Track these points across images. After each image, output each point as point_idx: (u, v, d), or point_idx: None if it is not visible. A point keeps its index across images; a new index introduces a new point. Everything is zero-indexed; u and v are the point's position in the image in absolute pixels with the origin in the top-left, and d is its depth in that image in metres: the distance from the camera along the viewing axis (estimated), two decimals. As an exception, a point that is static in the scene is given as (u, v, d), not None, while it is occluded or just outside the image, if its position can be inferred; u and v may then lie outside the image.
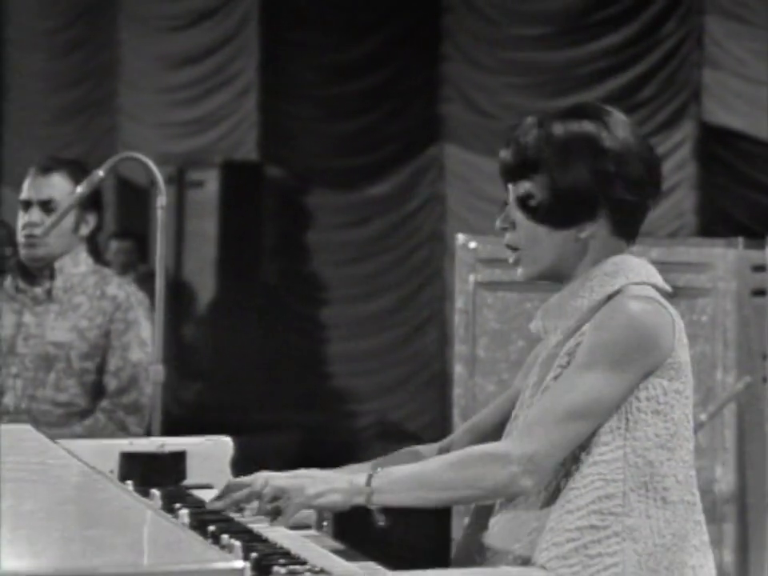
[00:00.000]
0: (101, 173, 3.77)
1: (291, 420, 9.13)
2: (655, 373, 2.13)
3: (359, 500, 2.06)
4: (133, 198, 10.44)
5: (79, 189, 3.76)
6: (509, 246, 2.29)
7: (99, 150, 11.62)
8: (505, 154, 2.30)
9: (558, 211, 2.21)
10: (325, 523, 2.57)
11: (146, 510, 1.85)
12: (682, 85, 7.96)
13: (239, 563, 1.49)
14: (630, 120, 2.32)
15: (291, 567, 1.82)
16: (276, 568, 1.78)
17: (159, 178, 3.95)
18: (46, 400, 3.87)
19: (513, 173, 2.28)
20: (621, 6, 8.17)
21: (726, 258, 4.19)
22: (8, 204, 13.01)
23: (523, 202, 2.24)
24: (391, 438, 8.77)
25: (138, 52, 11.48)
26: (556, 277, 2.26)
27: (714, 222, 7.64)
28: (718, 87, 7.80)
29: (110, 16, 11.81)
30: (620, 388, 2.08)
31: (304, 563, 1.87)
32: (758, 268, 4.21)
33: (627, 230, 2.26)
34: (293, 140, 10.01)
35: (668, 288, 2.29)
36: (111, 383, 3.88)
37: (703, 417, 3.72)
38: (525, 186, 2.24)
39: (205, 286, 9.72)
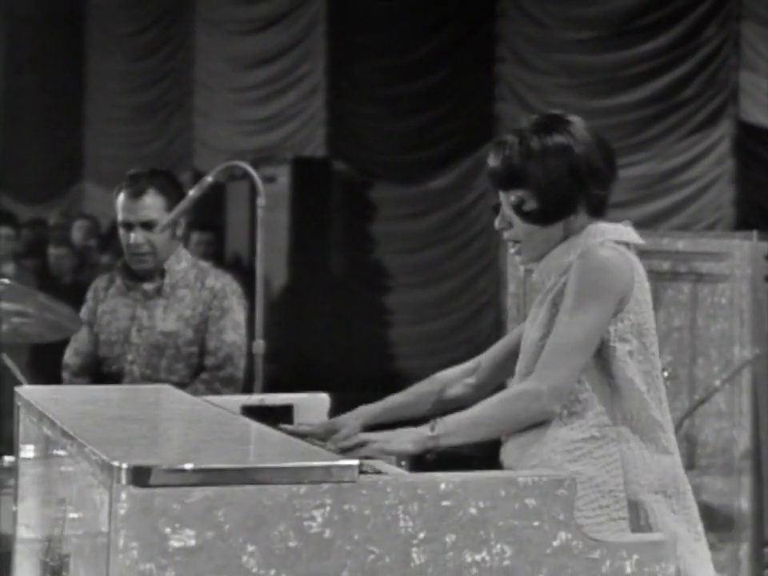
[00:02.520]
0: (209, 178, 4.12)
1: (357, 398, 9.50)
2: (624, 310, 2.59)
3: (430, 444, 2.57)
4: (208, 192, 10.87)
5: (191, 192, 4.13)
6: (509, 240, 2.71)
7: (175, 147, 12.26)
8: (494, 165, 2.68)
9: (547, 213, 2.66)
10: (403, 463, 3.20)
11: (280, 434, 2.51)
12: (721, 86, 8.11)
13: (355, 461, 2.16)
14: (585, 123, 2.70)
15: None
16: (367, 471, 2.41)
17: (259, 182, 4.26)
18: (160, 382, 4.22)
19: (503, 183, 2.68)
20: (664, 12, 8.32)
21: (742, 249, 4.67)
22: (89, 197, 13.50)
23: (518, 208, 2.67)
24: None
25: (212, 54, 11.80)
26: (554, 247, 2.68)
27: (751, 215, 7.79)
28: (754, 88, 7.94)
29: (185, 20, 12.13)
30: (605, 316, 2.56)
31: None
32: None
33: (600, 212, 2.70)
34: (358, 137, 10.28)
35: (641, 242, 2.70)
36: (209, 360, 4.33)
37: (717, 383, 4.24)
38: (516, 194, 2.67)
39: (277, 273, 9.97)
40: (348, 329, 10.16)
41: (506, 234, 2.73)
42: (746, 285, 4.69)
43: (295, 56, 10.98)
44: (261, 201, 4.30)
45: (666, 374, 4.64)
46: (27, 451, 3.02)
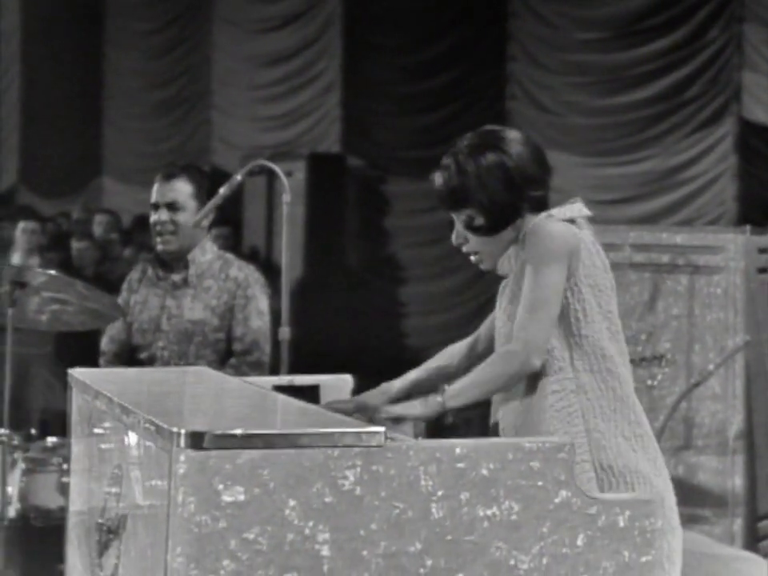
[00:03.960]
0: (239, 177, 4.40)
1: (371, 384, 9.61)
2: (576, 274, 2.83)
3: (439, 408, 2.87)
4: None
5: (221, 191, 4.37)
6: (468, 253, 2.95)
7: (193, 143, 12.49)
8: (438, 189, 2.91)
9: (494, 225, 2.90)
10: (419, 438, 3.48)
11: (312, 406, 2.82)
12: (724, 85, 8.31)
13: (381, 428, 2.46)
14: (519, 135, 2.93)
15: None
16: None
17: (285, 181, 4.55)
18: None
19: (449, 205, 2.92)
20: (670, 13, 8.54)
21: (736, 242, 4.87)
22: (108, 192, 13.71)
23: (468, 225, 2.91)
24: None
25: (230, 52, 12.00)
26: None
27: (753, 209, 8.02)
28: (756, 88, 8.15)
29: (203, 19, 12.34)
30: (560, 276, 2.80)
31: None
32: (763, 250, 4.91)
33: (543, 208, 2.92)
34: (372, 133, 10.49)
35: (587, 213, 2.93)
36: (237, 346, 4.56)
37: (711, 367, 4.49)
38: (464, 213, 2.90)
39: (294, 266, 9.97)
40: (362, 319, 10.32)
41: (464, 248, 2.98)
42: (739, 276, 4.89)
43: (311, 54, 11.17)
44: (286, 197, 4.57)
45: (664, 359, 4.93)
46: (80, 427, 3.30)
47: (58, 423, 5.73)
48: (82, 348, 5.36)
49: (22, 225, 9.50)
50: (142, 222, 10.70)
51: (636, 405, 2.91)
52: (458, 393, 2.89)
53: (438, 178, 2.94)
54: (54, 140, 13.98)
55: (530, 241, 2.85)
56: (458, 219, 2.95)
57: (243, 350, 4.57)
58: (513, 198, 2.90)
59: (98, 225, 10.87)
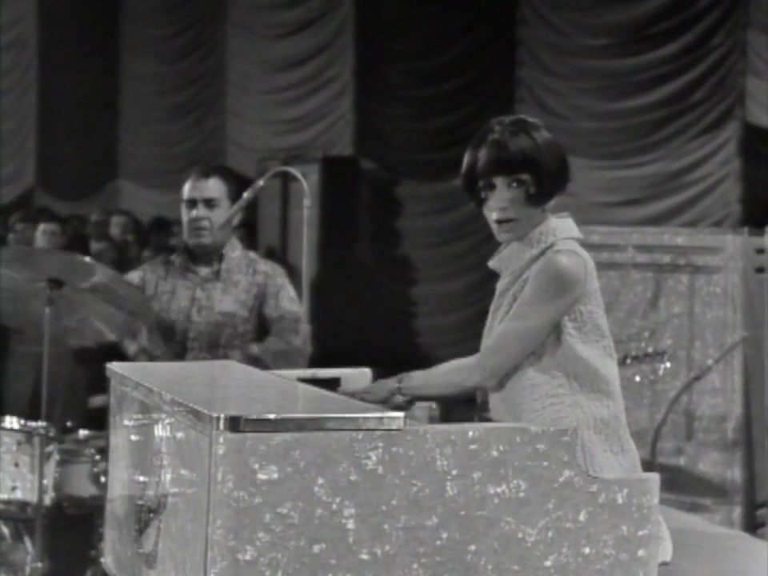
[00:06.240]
0: (261, 182, 4.46)
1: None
2: (578, 301, 2.95)
3: (396, 392, 3.12)
4: (240, 189, 11.09)
5: (246, 194, 4.44)
6: (505, 220, 3.02)
7: (208, 146, 12.59)
8: (503, 150, 2.96)
9: (546, 195, 3.02)
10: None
11: (336, 394, 3.04)
12: (728, 90, 8.44)
13: (402, 413, 2.68)
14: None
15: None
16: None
17: (305, 185, 4.70)
18: (218, 357, 4.62)
19: (512, 168, 2.97)
20: (676, 20, 8.66)
21: (735, 243, 5.03)
22: (125, 194, 13.84)
23: (526, 189, 2.99)
24: (472, 401, 9.52)
25: (244, 57, 12.11)
26: (522, 237, 3.05)
27: (756, 211, 8.10)
28: (760, 92, 8.27)
29: (218, 24, 12.45)
30: (551, 317, 2.93)
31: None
32: (760, 251, 5.06)
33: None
34: (385, 137, 10.60)
35: (581, 236, 3.05)
36: (276, 327, 4.66)
37: (710, 362, 4.69)
38: (522, 177, 2.99)
39: (308, 266, 10.28)
40: (375, 319, 10.43)
41: (504, 214, 3.03)
42: (738, 276, 5.06)
43: (324, 59, 11.28)
44: (307, 202, 4.74)
45: (666, 355, 5.13)
46: (118, 416, 3.51)
47: (79, 419, 5.94)
48: (100, 347, 5.51)
49: (42, 226, 9.60)
50: (158, 223, 10.89)
51: (624, 422, 3.07)
52: (415, 385, 3.14)
53: (502, 137, 2.98)
54: (71, 143, 14.03)
55: (541, 270, 2.98)
56: (509, 183, 3.01)
57: (281, 330, 4.70)
58: (562, 177, 3.05)
59: (115, 226, 10.90)
